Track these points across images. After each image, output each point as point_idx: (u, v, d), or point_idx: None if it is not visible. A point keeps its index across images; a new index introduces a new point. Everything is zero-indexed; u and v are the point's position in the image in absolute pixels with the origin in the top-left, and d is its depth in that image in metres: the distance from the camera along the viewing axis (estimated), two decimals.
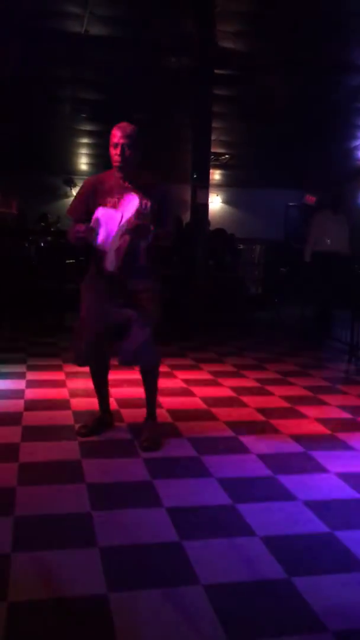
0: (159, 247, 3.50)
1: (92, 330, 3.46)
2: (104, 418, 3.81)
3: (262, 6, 7.27)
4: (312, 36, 7.72)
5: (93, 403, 3.98)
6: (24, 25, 7.37)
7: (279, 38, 7.88)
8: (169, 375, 5.25)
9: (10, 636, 1.87)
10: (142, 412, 4.13)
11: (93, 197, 3.44)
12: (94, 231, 3.29)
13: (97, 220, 3.29)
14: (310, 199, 12.55)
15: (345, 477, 3.17)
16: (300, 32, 7.64)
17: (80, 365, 3.70)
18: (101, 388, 3.81)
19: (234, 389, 4.95)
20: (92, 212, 3.33)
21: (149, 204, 3.26)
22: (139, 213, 3.22)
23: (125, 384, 4.84)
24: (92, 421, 3.75)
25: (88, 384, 4.86)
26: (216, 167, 12.91)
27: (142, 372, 3.68)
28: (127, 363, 3.59)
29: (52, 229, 10.69)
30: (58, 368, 5.43)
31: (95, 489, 2.90)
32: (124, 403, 4.36)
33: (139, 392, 4.67)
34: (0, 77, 7.68)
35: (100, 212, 3.30)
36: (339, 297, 7.28)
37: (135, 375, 5.13)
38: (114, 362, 3.74)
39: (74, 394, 4.59)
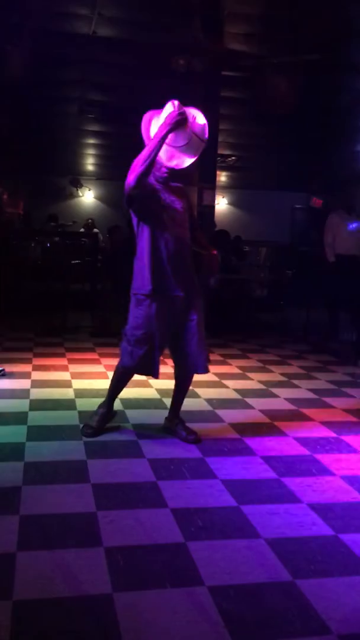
0: None
1: (160, 347, 3.51)
2: (108, 415, 3.80)
3: (270, 9, 7.28)
4: (320, 39, 7.72)
5: (98, 403, 3.99)
6: (31, 27, 7.40)
7: (287, 40, 7.88)
8: (172, 377, 5.24)
9: (15, 635, 1.88)
10: (147, 413, 4.16)
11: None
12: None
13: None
14: (317, 201, 12.54)
15: (350, 480, 3.17)
16: (308, 34, 7.65)
17: (153, 376, 3.64)
18: (121, 389, 3.79)
19: (238, 390, 4.95)
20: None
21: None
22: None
23: (131, 385, 4.84)
24: (96, 421, 3.73)
25: (93, 384, 4.89)
26: (222, 168, 12.92)
27: (190, 376, 3.77)
28: (203, 372, 3.69)
29: (59, 230, 10.71)
30: (64, 368, 5.44)
31: (100, 489, 2.91)
32: (129, 404, 4.36)
33: (145, 392, 4.70)
34: (8, 78, 7.71)
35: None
36: (351, 299, 7.23)
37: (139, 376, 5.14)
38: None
39: (79, 394, 4.60)
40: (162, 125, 3.26)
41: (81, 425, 3.79)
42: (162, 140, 3.23)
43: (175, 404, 3.81)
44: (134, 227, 3.50)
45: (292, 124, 10.01)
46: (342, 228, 7.44)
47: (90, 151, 13.00)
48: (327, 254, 7.55)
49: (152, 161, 3.24)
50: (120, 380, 3.72)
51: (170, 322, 3.51)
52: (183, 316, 3.54)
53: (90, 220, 12.99)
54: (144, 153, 3.24)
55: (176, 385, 3.79)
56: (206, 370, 3.68)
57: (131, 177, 3.23)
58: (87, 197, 14.45)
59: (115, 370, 3.71)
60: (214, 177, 8.25)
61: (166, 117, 3.28)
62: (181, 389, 3.79)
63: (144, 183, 3.28)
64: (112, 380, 3.77)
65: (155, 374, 3.56)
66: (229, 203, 14.94)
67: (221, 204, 14.31)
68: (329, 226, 7.56)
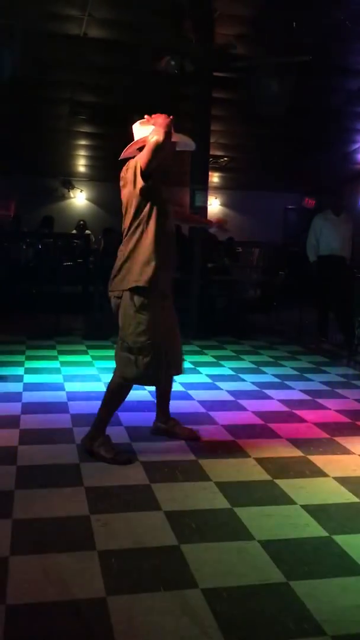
0: None
1: (167, 353, 3.36)
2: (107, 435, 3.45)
3: (261, 10, 7.29)
4: (311, 40, 7.74)
5: (91, 406, 3.99)
6: (23, 28, 7.38)
7: (278, 42, 7.90)
8: None
9: (8, 639, 1.87)
10: (140, 416, 4.14)
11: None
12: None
13: None
14: (310, 202, 12.58)
15: (344, 481, 3.17)
16: (299, 36, 7.67)
17: (158, 385, 3.60)
18: (118, 407, 3.49)
19: (232, 392, 4.95)
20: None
21: None
22: None
23: None
24: (108, 451, 3.32)
25: (85, 386, 4.88)
26: (215, 169, 12.93)
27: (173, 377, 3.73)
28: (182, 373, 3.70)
29: (46, 232, 10.67)
30: (56, 371, 5.42)
31: (93, 492, 2.90)
32: (122, 406, 4.34)
33: (137, 395, 4.68)
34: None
35: None
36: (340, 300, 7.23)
37: None
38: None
39: (72, 397, 4.59)
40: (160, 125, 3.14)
41: (74, 429, 3.78)
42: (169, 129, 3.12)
43: (164, 405, 3.75)
44: (133, 217, 3.25)
45: (284, 125, 10.04)
46: (325, 229, 7.37)
47: (82, 152, 12.98)
48: (309, 255, 7.53)
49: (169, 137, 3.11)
50: (118, 397, 3.39)
51: (169, 322, 3.41)
52: (172, 315, 3.51)
53: (82, 222, 12.96)
54: (160, 131, 3.09)
55: (161, 387, 3.68)
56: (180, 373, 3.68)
57: (160, 139, 3.05)
58: (79, 198, 14.43)
59: (112, 386, 3.37)
60: (206, 178, 8.25)
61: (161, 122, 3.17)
62: (167, 390, 3.72)
63: (163, 155, 3.14)
64: (106, 399, 3.39)
65: (160, 383, 3.54)
66: (222, 204, 14.95)
67: (213, 205, 14.32)
68: (312, 228, 7.51)
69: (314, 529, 2.62)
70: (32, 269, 9.08)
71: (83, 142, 12.30)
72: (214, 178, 13.66)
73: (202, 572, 2.25)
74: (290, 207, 14.60)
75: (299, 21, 7.24)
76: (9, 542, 2.41)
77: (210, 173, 9.68)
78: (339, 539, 2.54)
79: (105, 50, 8.28)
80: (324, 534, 2.58)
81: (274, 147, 11.51)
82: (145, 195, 3.22)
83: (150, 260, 3.23)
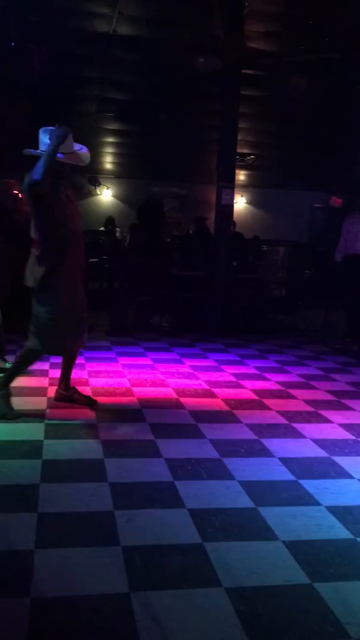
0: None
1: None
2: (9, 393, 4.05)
3: (290, 7, 7.23)
4: (340, 36, 7.65)
5: (115, 402, 4.01)
6: (52, 25, 7.43)
7: (307, 38, 7.83)
8: (191, 376, 5.25)
9: (32, 632, 1.88)
10: (164, 413, 4.15)
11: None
12: None
13: None
14: (337, 201, 12.43)
15: None
16: (328, 32, 7.59)
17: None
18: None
19: (256, 391, 4.93)
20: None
21: None
22: None
23: (149, 384, 4.85)
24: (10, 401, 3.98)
25: (109, 382, 4.90)
26: (241, 167, 12.87)
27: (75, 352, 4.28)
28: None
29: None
30: (81, 367, 5.45)
31: (117, 488, 2.91)
32: (147, 403, 4.36)
33: (161, 392, 4.70)
34: (28, 76, 7.74)
35: None
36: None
37: (158, 375, 5.16)
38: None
39: (96, 392, 4.61)
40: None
41: (98, 424, 3.80)
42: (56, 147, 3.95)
43: (65, 374, 4.28)
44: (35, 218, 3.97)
45: (312, 123, 9.95)
46: (353, 229, 7.38)
47: (109, 149, 13.01)
48: (336, 254, 7.56)
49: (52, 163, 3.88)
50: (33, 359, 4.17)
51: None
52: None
53: (111, 218, 12.95)
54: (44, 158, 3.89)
55: (64, 359, 4.26)
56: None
57: (36, 175, 3.78)
58: (105, 195, 14.47)
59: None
60: (233, 176, 8.21)
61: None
62: (73, 362, 4.29)
63: (47, 181, 3.82)
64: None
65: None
66: (248, 202, 14.87)
67: (240, 203, 14.24)
68: (343, 228, 7.55)
69: (339, 531, 2.60)
70: None
71: (110, 140, 12.32)
72: (241, 176, 13.60)
73: (226, 571, 2.24)
74: (316, 205, 14.44)
75: (327, 18, 7.16)
76: (34, 535, 2.43)
77: (237, 171, 9.62)
78: None
79: (134, 47, 8.28)
80: (349, 536, 2.56)
81: (302, 144, 11.42)
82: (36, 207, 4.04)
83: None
